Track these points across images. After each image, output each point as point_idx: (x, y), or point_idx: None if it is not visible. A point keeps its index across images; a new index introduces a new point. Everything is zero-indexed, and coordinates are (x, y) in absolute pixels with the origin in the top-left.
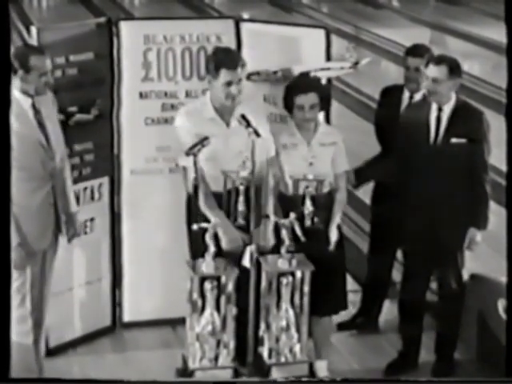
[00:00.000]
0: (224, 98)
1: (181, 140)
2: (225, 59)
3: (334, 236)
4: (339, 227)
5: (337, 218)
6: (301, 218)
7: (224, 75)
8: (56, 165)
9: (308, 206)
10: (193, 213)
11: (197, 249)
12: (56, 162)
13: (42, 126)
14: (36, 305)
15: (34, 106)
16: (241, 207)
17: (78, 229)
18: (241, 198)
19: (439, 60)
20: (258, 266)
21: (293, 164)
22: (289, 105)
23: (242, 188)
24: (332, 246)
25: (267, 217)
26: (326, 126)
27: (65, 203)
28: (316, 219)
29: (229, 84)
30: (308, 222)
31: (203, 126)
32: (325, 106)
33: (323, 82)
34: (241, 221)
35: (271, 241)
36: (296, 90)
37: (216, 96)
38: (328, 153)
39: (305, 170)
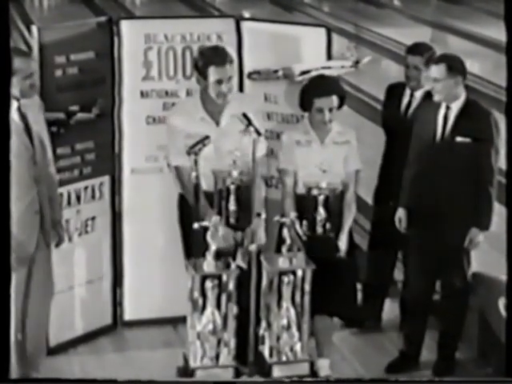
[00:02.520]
0: (215, 96)
1: (172, 140)
2: (213, 57)
3: (343, 245)
4: (351, 235)
5: (346, 226)
6: (312, 224)
7: (213, 73)
8: (40, 170)
9: (320, 212)
10: (185, 212)
11: (197, 247)
12: (40, 168)
13: (27, 130)
14: (20, 307)
15: (19, 109)
16: (232, 207)
17: (62, 236)
18: (232, 198)
19: (438, 59)
20: (258, 264)
21: (306, 170)
22: (306, 106)
23: (232, 187)
24: (342, 254)
25: (258, 215)
26: (341, 125)
27: (51, 210)
28: (328, 226)
29: (219, 82)
30: (320, 230)
31: (194, 125)
32: (341, 105)
33: None
34: (232, 220)
35: (263, 239)
36: (316, 92)
37: (206, 95)
38: (341, 151)
39: (318, 177)
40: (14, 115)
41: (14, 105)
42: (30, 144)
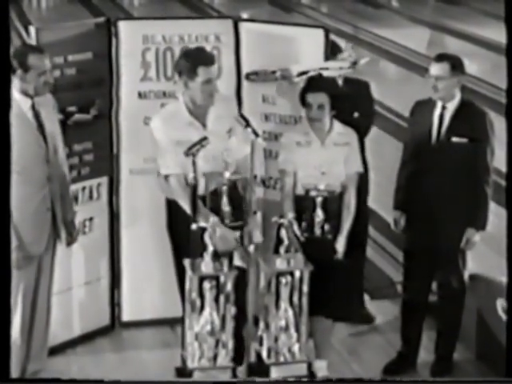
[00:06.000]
0: (202, 97)
1: (161, 150)
2: (201, 57)
3: (340, 247)
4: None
5: (345, 228)
6: (311, 225)
7: (203, 73)
8: (53, 169)
9: (319, 214)
10: (175, 217)
11: (194, 248)
12: (53, 166)
13: (41, 127)
14: (27, 308)
15: (33, 107)
16: (226, 208)
17: (75, 236)
18: (224, 199)
19: (441, 57)
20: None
21: (305, 172)
22: (302, 103)
23: (225, 188)
24: (339, 256)
25: (255, 213)
26: (342, 126)
27: (64, 209)
28: (326, 227)
29: (208, 81)
30: (318, 231)
31: (181, 131)
32: (338, 106)
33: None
34: (227, 221)
35: (259, 238)
36: (307, 89)
37: (191, 98)
38: (341, 153)
39: (316, 179)
40: (28, 113)
41: (28, 102)
42: (43, 142)
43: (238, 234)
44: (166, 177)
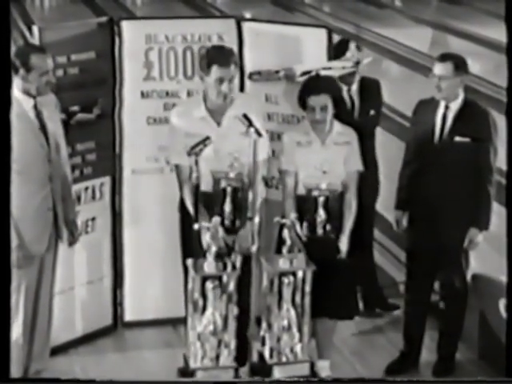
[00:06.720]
0: (215, 95)
1: (172, 139)
2: (217, 56)
3: (343, 246)
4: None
5: (347, 227)
6: (313, 225)
7: (215, 72)
8: (54, 168)
9: (321, 214)
10: (186, 214)
11: (197, 248)
12: (54, 166)
13: (43, 127)
14: (29, 308)
15: (35, 106)
16: (228, 208)
17: (77, 235)
18: (228, 199)
19: (444, 57)
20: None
21: (306, 171)
22: (302, 105)
23: (229, 189)
24: (342, 255)
25: (250, 219)
26: (342, 126)
27: (65, 209)
28: (328, 227)
29: (220, 81)
30: (320, 231)
31: (194, 125)
32: (339, 106)
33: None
34: (227, 222)
35: (255, 243)
36: (308, 91)
37: (208, 94)
38: (341, 152)
39: (318, 178)
40: (30, 113)
41: (30, 102)
42: (45, 142)
43: (231, 236)
44: (176, 167)
